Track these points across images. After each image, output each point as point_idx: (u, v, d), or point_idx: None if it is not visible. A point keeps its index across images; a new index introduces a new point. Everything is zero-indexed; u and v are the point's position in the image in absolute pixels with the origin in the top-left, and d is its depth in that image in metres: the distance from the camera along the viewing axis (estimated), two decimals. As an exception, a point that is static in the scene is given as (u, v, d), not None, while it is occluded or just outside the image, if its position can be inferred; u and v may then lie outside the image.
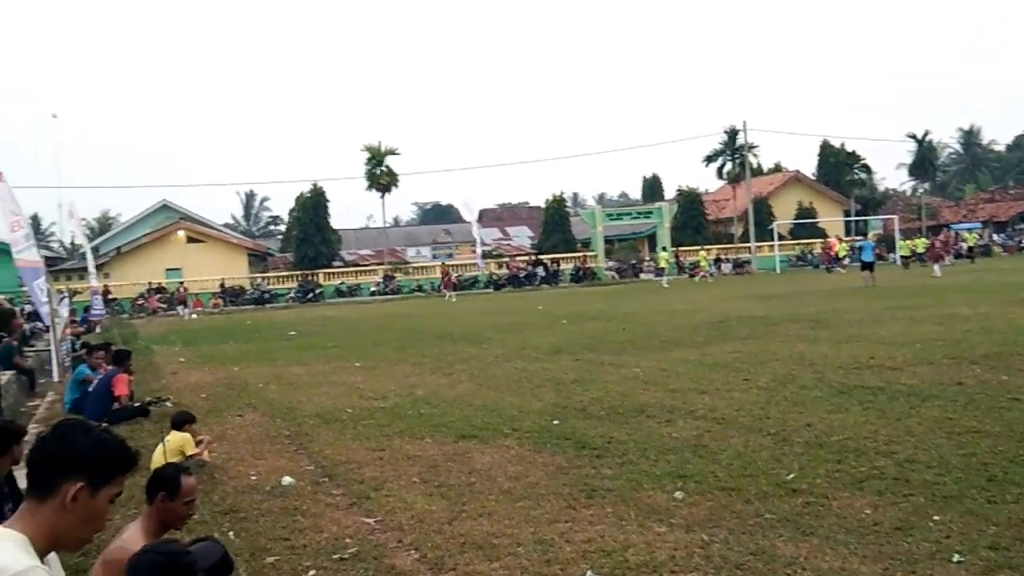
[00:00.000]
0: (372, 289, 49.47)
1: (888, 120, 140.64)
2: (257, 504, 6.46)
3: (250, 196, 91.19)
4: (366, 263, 57.10)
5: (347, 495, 6.56)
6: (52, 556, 2.35)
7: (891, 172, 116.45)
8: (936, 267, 35.12)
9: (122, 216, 71.83)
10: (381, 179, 54.75)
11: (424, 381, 12.47)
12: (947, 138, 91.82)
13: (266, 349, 19.20)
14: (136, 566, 2.78)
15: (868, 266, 29.20)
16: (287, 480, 7.02)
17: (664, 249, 50.49)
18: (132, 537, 3.75)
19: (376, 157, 54.78)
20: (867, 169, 65.88)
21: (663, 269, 46.06)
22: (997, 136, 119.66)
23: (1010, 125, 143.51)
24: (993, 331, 13.77)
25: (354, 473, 7.20)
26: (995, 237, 59.98)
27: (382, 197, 55.60)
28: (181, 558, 2.82)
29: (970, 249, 48.42)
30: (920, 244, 48.37)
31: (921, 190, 73.92)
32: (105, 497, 2.25)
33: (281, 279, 51.14)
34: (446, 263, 52.54)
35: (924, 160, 68.03)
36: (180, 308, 41.50)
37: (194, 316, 38.48)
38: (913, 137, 67.27)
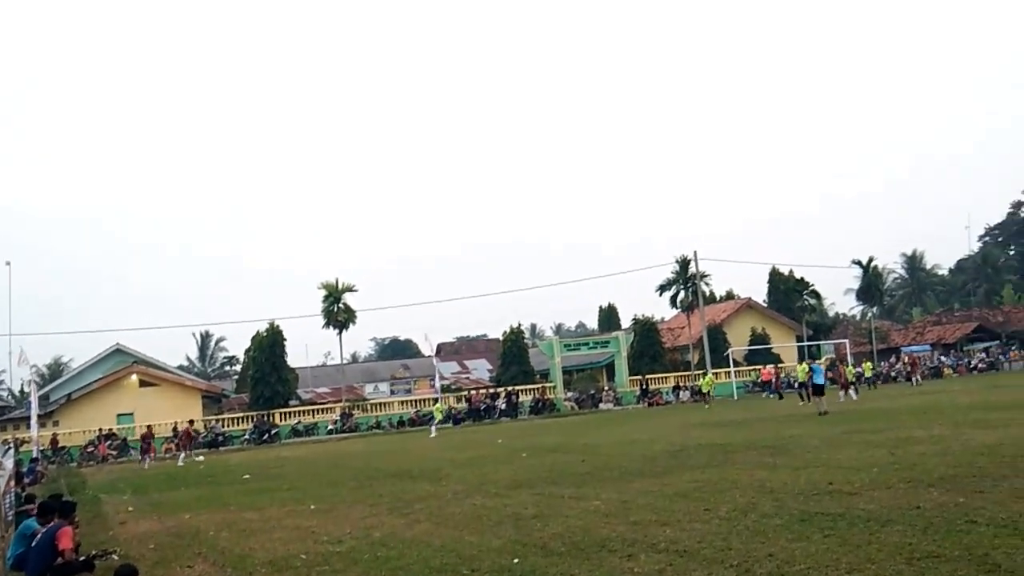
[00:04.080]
0: (330, 427, 48.73)
1: (834, 247, 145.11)
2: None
3: (205, 337, 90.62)
4: (324, 401, 56.40)
5: (300, 648, 6.32)
6: None
7: (840, 297, 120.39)
8: (842, 394, 35.37)
9: (74, 361, 70.76)
10: (338, 316, 54.71)
11: (381, 522, 12.21)
12: (892, 263, 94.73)
13: (219, 494, 18.71)
14: None
15: (819, 390, 28.77)
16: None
17: (706, 373, 50.56)
18: None
19: (333, 295, 54.92)
20: (816, 295, 67.35)
21: (707, 392, 46.09)
22: (940, 260, 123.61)
23: (951, 250, 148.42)
24: (948, 453, 13.91)
25: (308, 624, 6.95)
26: (943, 359, 61.19)
27: (339, 334, 55.49)
28: None
29: (866, 377, 48.15)
30: (867, 368, 49.17)
31: (870, 314, 75.57)
32: None
33: (236, 420, 50.22)
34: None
35: (871, 285, 69.82)
36: (182, 454, 36.84)
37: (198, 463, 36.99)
38: (859, 263, 69.24)
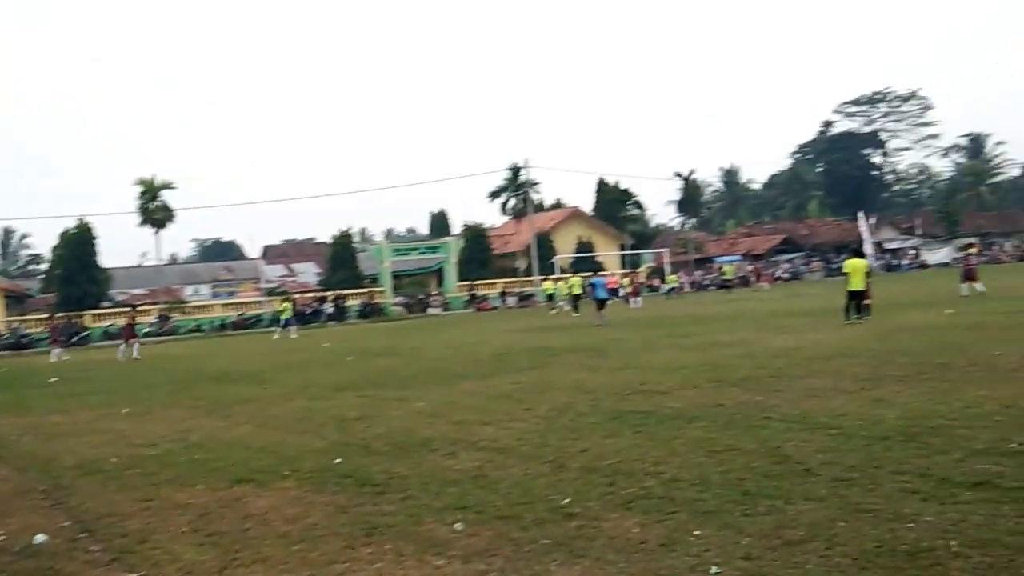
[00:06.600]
0: (146, 330, 46.77)
1: (658, 159, 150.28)
2: (5, 566, 5.90)
3: (8, 233, 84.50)
4: (139, 303, 54.01)
5: (107, 550, 6.10)
6: None
7: (661, 209, 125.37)
8: (634, 301, 38.79)
9: None
10: (155, 214, 52.20)
11: (199, 425, 11.89)
12: (710, 177, 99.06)
13: (22, 398, 17.70)
14: None
15: (601, 304, 27.65)
16: (40, 538, 6.45)
17: (545, 279, 48.43)
18: None
19: (149, 191, 52.25)
20: (639, 205, 69.81)
21: (551, 295, 41.97)
22: (754, 175, 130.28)
23: (766, 165, 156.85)
24: (751, 356, 14.82)
25: (116, 526, 6.72)
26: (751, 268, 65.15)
27: (156, 233, 52.99)
28: None
29: (670, 287, 52.14)
30: (671, 280, 52.04)
31: (688, 225, 78.99)
32: None
33: (42, 322, 47.40)
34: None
35: (690, 197, 72.90)
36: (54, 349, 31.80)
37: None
38: (680, 175, 71.95)
